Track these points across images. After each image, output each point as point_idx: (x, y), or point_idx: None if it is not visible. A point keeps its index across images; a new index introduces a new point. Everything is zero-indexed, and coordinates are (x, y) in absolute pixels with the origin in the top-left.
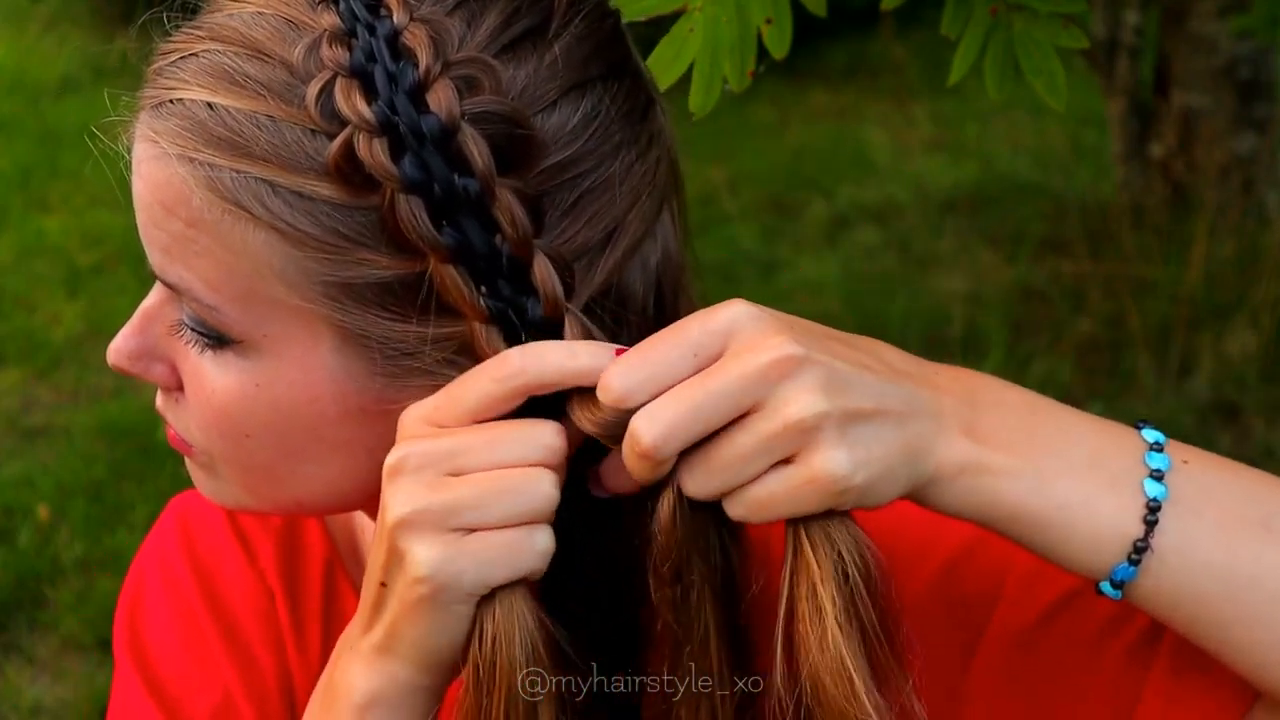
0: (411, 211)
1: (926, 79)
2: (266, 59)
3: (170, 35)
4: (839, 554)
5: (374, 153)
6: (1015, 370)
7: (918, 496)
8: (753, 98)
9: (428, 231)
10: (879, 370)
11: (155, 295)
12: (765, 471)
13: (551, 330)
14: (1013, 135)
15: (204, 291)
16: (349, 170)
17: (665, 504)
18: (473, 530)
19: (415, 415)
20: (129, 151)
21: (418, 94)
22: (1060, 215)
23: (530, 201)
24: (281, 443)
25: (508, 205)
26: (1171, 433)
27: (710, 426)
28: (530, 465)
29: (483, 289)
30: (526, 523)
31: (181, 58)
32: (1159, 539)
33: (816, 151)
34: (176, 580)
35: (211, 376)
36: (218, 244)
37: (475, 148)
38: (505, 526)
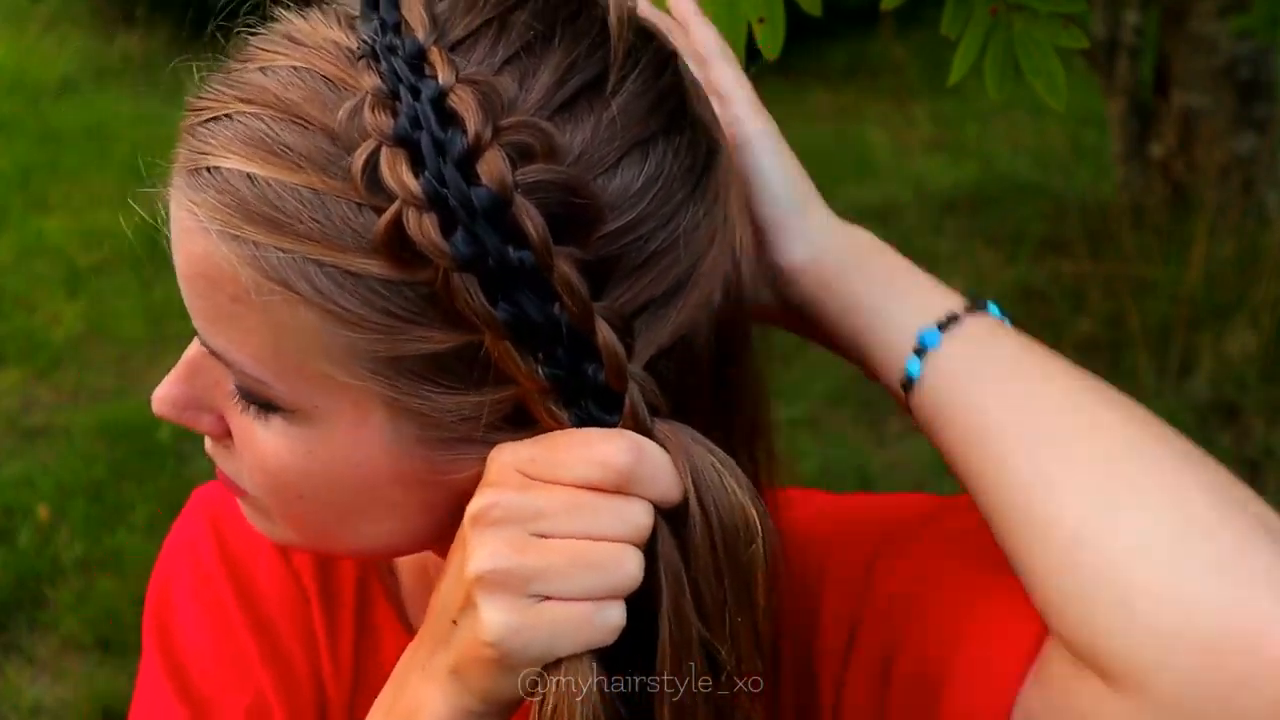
0: (465, 288)
1: (926, 79)
2: (306, 125)
3: (203, 88)
4: None
5: (424, 229)
6: None
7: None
8: None
9: (482, 308)
10: None
11: (200, 347)
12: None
13: (614, 397)
14: (1013, 135)
15: (250, 365)
16: (398, 246)
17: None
18: (548, 598)
19: (508, 460)
20: (165, 208)
21: (467, 163)
22: (1060, 215)
23: (590, 268)
24: (336, 504)
25: (566, 276)
26: None
27: None
28: (619, 540)
29: (540, 357)
30: (603, 599)
31: (215, 119)
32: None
33: (816, 151)
34: (208, 576)
35: (262, 439)
36: (264, 321)
37: (530, 220)
38: (582, 599)
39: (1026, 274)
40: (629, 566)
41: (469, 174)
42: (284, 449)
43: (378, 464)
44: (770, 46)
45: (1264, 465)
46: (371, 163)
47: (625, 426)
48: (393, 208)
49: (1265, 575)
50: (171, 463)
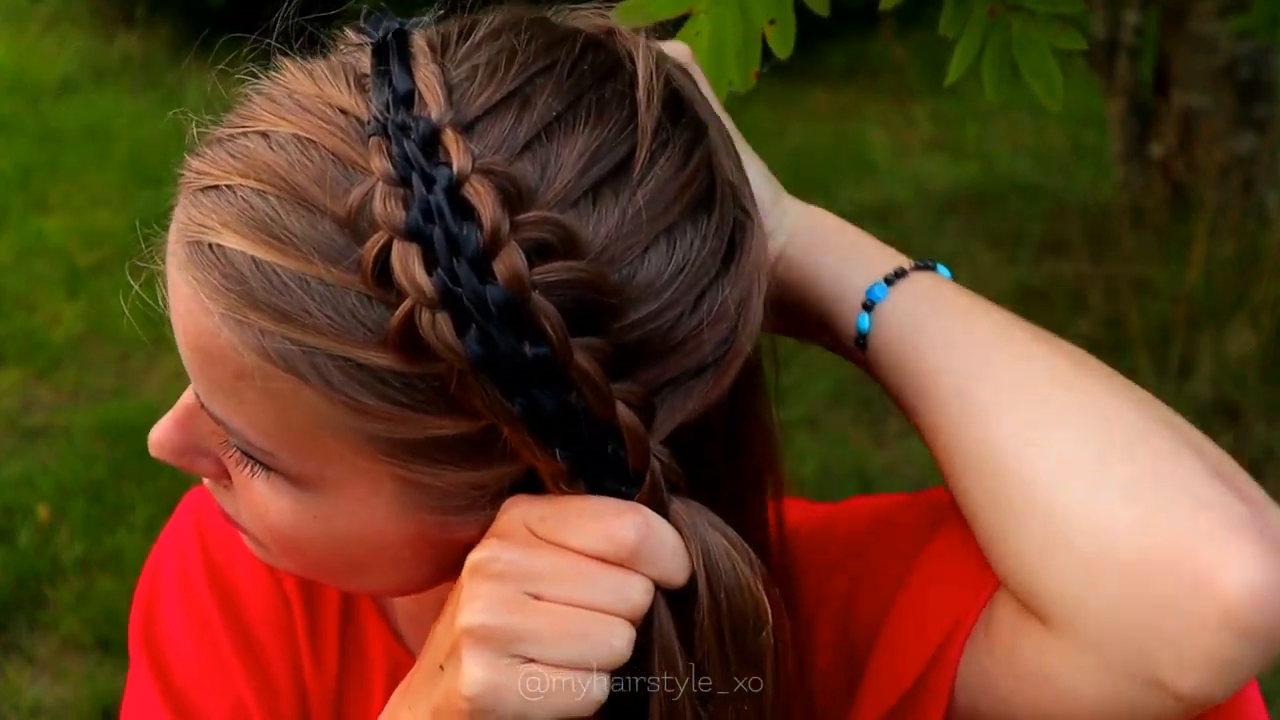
0: (480, 386)
1: (926, 79)
2: (313, 211)
3: (201, 146)
4: None
5: (437, 329)
6: None
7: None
8: (752, 98)
9: (497, 404)
10: None
11: (197, 396)
12: None
13: (633, 472)
14: (1013, 135)
15: (254, 435)
16: (410, 343)
17: None
18: (532, 660)
19: (519, 513)
20: (163, 261)
21: (482, 262)
22: (1060, 215)
23: (613, 355)
24: (339, 559)
25: (584, 370)
26: None
27: None
28: (611, 614)
29: (558, 443)
30: (586, 669)
31: (215, 188)
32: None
33: (816, 152)
34: (191, 584)
35: (265, 497)
36: (267, 399)
37: (548, 320)
38: (566, 668)
39: (1026, 274)
40: (615, 642)
41: (484, 271)
42: (287, 509)
43: (388, 530)
44: (781, 47)
45: (1264, 465)
46: (382, 257)
47: (642, 502)
48: (404, 305)
49: (1184, 493)
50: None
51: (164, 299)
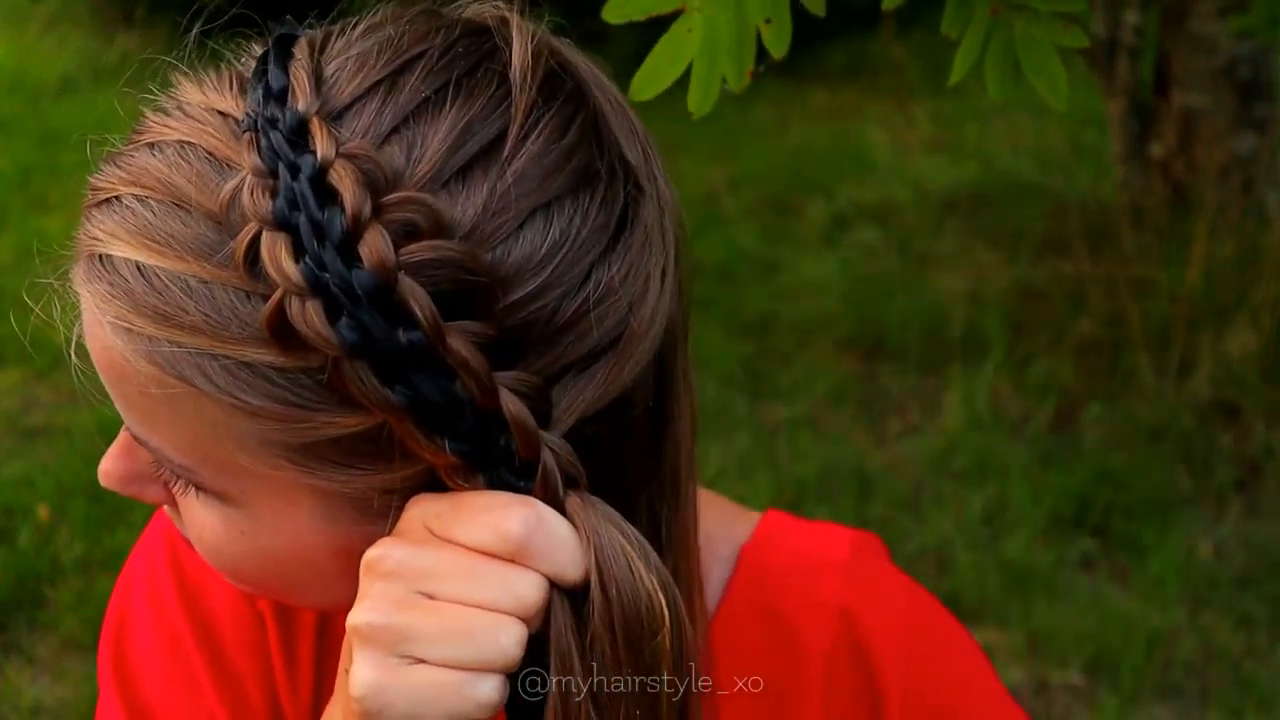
0: (357, 375)
1: (926, 79)
2: (189, 210)
3: (101, 164)
4: None
5: (307, 318)
6: (1015, 370)
7: None
8: (753, 98)
9: (376, 393)
10: None
11: None
12: None
13: (528, 464)
14: (1013, 135)
15: (173, 453)
16: (286, 334)
17: None
18: (421, 660)
19: (418, 511)
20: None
21: (347, 246)
22: (1060, 215)
23: (496, 340)
24: (275, 576)
25: (460, 355)
26: (1172, 432)
27: None
28: (500, 612)
29: (446, 434)
30: (475, 669)
31: (106, 201)
32: None
33: (816, 151)
34: (163, 603)
35: (200, 517)
36: (173, 413)
37: (416, 302)
38: (454, 668)
39: (1026, 274)
40: (504, 640)
41: (350, 256)
42: (220, 528)
43: (313, 541)
44: (777, 47)
45: (1264, 465)
46: (253, 249)
47: (536, 496)
48: (275, 296)
49: None
50: None
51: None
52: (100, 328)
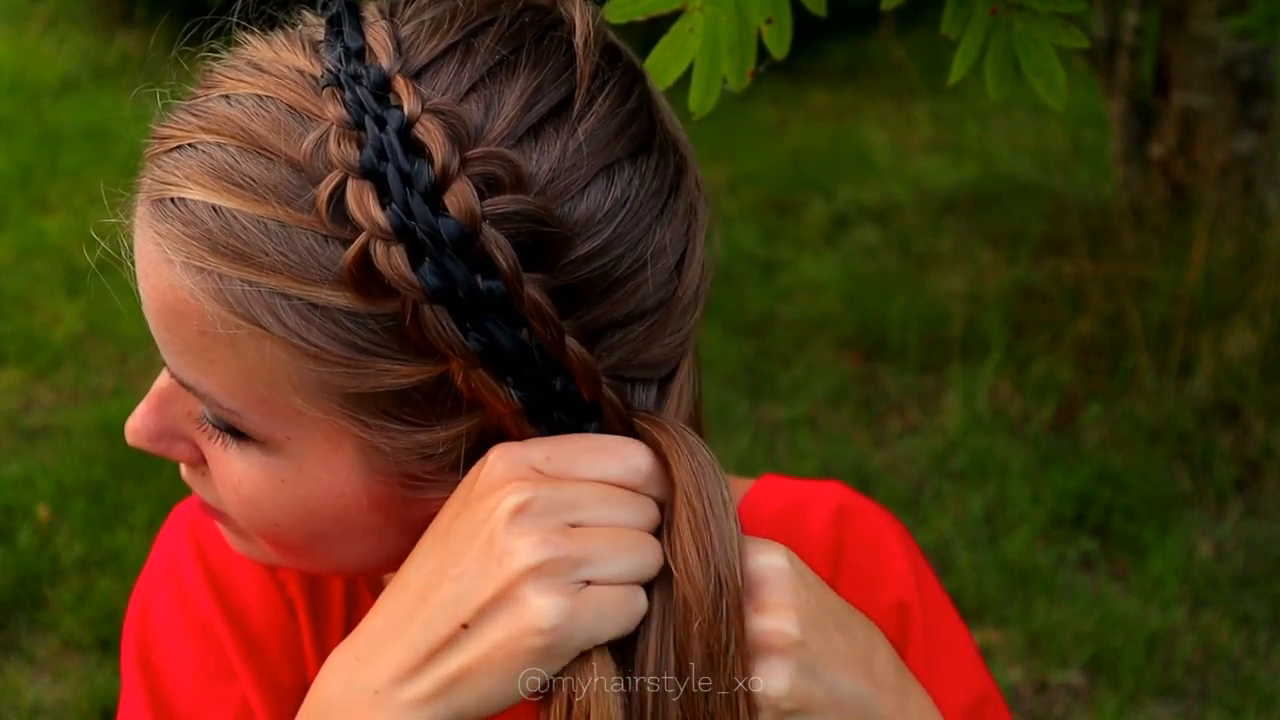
0: (436, 320)
1: (926, 79)
2: (271, 157)
3: (167, 115)
4: None
5: (392, 261)
6: (1015, 370)
7: None
8: (753, 98)
9: (454, 338)
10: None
11: (170, 378)
12: None
13: (585, 406)
14: (1013, 135)
15: (222, 396)
16: (365, 279)
17: None
18: (589, 584)
19: (518, 457)
20: (129, 238)
21: (434, 195)
22: (1060, 215)
23: (559, 291)
24: (313, 529)
25: (536, 303)
26: (1172, 432)
27: None
28: (642, 529)
29: (511, 381)
30: (635, 583)
31: (179, 148)
32: None
33: (816, 151)
34: (191, 594)
35: (237, 468)
36: (232, 354)
37: (500, 251)
38: (621, 584)
39: (1026, 274)
40: (655, 554)
41: (436, 205)
42: (259, 477)
43: (352, 492)
44: (778, 47)
45: (1264, 465)
46: (337, 195)
47: (611, 428)
48: (360, 239)
49: None
50: (171, 463)
51: (132, 271)
52: (166, 266)
